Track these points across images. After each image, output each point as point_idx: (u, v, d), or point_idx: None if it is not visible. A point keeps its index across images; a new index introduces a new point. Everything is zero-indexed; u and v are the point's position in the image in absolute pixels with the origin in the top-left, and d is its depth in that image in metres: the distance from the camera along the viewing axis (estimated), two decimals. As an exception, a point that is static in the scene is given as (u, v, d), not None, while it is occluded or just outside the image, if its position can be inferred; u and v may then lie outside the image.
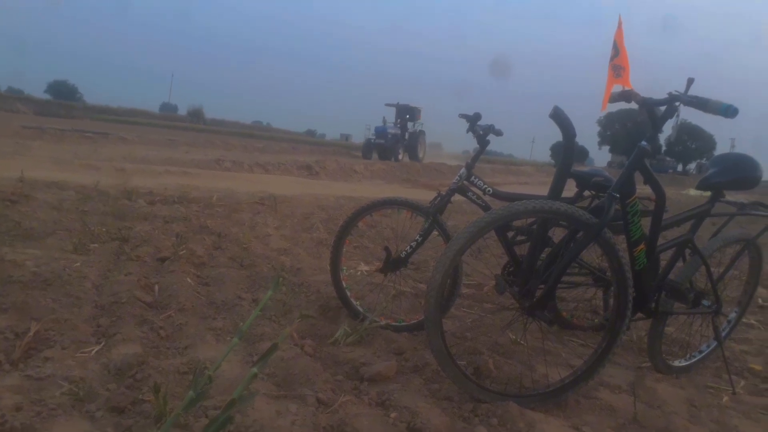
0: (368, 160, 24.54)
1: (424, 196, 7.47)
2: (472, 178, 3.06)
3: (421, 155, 28.97)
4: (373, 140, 27.95)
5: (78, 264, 3.40)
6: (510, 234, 2.98)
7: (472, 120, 3.13)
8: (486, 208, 3.00)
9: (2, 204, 4.66)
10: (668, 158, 61.97)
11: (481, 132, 3.12)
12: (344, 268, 3.40)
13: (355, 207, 5.13)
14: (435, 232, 3.08)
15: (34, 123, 20.15)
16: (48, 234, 4.07)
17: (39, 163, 8.62)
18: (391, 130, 28.44)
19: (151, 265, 3.71)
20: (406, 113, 29.80)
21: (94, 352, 2.31)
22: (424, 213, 3.08)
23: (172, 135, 25.43)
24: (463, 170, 3.06)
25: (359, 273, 4.10)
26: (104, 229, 4.41)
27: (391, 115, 30.39)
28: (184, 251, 4.01)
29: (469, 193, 3.05)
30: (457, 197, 3.13)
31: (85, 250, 3.82)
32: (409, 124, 29.65)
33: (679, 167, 65.02)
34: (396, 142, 27.97)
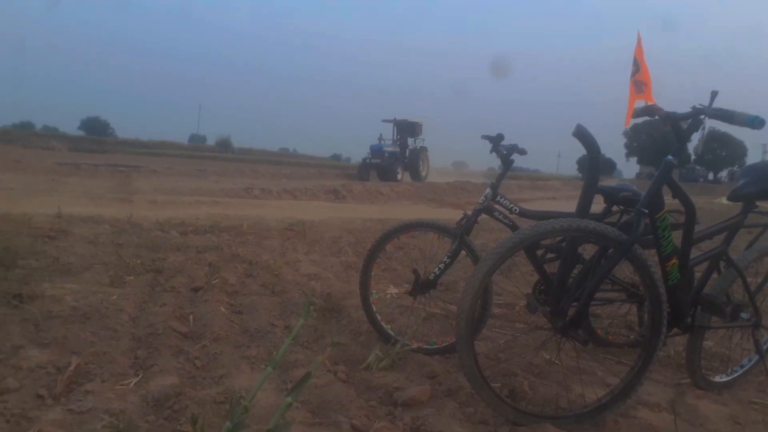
0: (365, 181, 22.59)
1: (451, 216, 7.46)
2: (498, 197, 3.05)
3: (423, 173, 27.10)
4: (368, 160, 25.73)
5: (115, 297, 3.47)
6: (539, 252, 2.95)
7: (495, 141, 3.14)
8: (513, 227, 2.98)
9: (41, 240, 4.80)
10: (698, 167, 60.82)
11: (504, 152, 3.13)
12: (373, 291, 3.41)
13: (382, 229, 5.14)
14: (463, 253, 3.08)
15: (69, 159, 20.81)
16: (85, 268, 4.18)
17: (75, 199, 8.86)
18: (389, 148, 26.35)
19: (185, 295, 3.77)
20: (406, 129, 27.73)
21: (132, 384, 2.35)
22: (451, 234, 3.08)
23: (202, 165, 25.95)
24: (488, 190, 3.05)
25: (389, 296, 4.09)
26: (139, 261, 4.50)
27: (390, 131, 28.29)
28: (217, 280, 4.07)
29: (496, 213, 3.05)
30: (483, 216, 3.12)
31: (121, 282, 3.90)
32: (410, 141, 27.63)
33: (710, 176, 63.74)
34: (394, 160, 25.92)
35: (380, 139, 27.12)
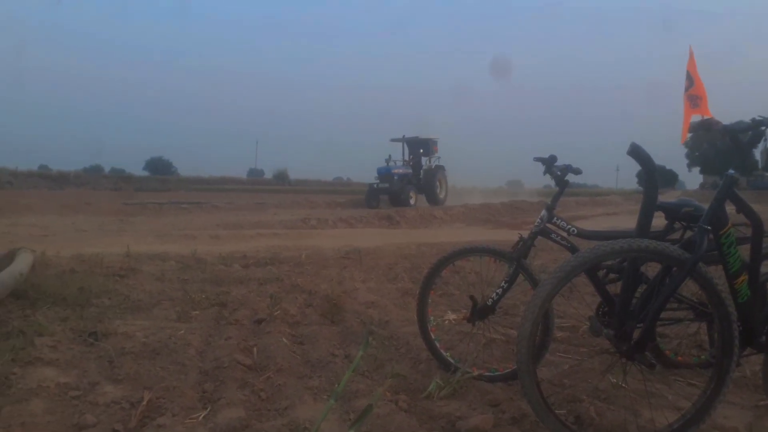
0: (374, 208, 20.63)
1: (507, 237, 7.35)
2: (555, 219, 3.01)
3: (442, 195, 25.04)
4: (376, 185, 23.56)
5: (182, 331, 3.60)
6: (600, 273, 2.88)
7: (548, 162, 3.10)
8: (573, 249, 2.93)
9: (113, 279, 5.03)
10: (767, 174, 57.77)
11: (558, 173, 3.08)
12: (431, 318, 3.40)
13: (436, 254, 5.11)
14: (521, 276, 3.04)
15: (136, 199, 21.79)
16: (154, 304, 4.35)
17: (142, 237, 9.25)
18: (398, 170, 24.12)
19: (248, 327, 3.86)
20: (419, 147, 25.25)
21: (201, 417, 2.42)
22: (507, 259, 3.05)
23: (260, 198, 26.66)
24: (544, 212, 3.02)
25: (447, 322, 4.07)
26: (204, 296, 4.65)
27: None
28: (279, 311, 4.16)
29: (553, 235, 3.00)
30: (540, 239, 3.07)
31: (187, 317, 4.04)
32: (425, 160, 25.35)
33: (782, 181, 60.38)
34: (406, 183, 23.78)
35: (388, 160, 24.60)
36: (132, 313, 4.09)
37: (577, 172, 3.12)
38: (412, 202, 23.29)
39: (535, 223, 3.01)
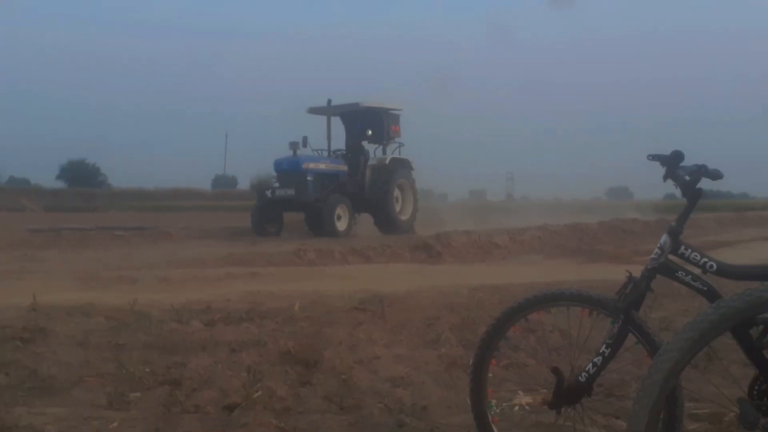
0: (262, 236, 18.87)
1: (610, 276, 7.29)
2: (682, 248, 2.97)
3: (405, 216, 21.21)
4: (271, 192, 19.72)
5: (116, 424, 3.63)
6: (756, 331, 2.84)
7: (671, 162, 3.07)
8: (711, 293, 2.89)
9: (12, 346, 5.09)
10: None
11: (687, 177, 3.04)
12: (492, 403, 3.38)
13: (500, 303, 5.08)
14: (632, 338, 3.01)
15: (45, 224, 22.17)
16: (73, 383, 4.39)
17: (55, 281, 9.40)
18: (316, 164, 20.02)
19: (215, 417, 3.88)
20: (364, 123, 20.94)
21: None
22: (610, 310, 3.03)
23: (232, 220, 26.84)
24: (665, 238, 2.99)
25: (517, 408, 4.03)
26: (148, 370, 4.68)
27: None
28: (260, 392, 4.17)
29: (680, 273, 2.96)
30: (661, 278, 3.04)
31: (123, 402, 4.08)
32: (372, 148, 21.44)
33: None
34: (332, 190, 19.73)
35: (296, 147, 19.88)
36: (41, 396, 4.13)
37: (716, 176, 3.08)
38: (340, 225, 19.13)
39: (653, 256, 2.98)
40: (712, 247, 15.86)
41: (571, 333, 3.47)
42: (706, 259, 2.93)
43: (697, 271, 2.95)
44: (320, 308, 7.25)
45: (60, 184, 73.73)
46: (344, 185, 20.15)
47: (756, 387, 2.80)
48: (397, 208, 20.56)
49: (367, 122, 20.62)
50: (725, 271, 2.90)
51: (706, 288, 2.94)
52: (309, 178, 19.10)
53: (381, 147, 21.47)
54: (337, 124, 21.84)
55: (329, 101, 20.55)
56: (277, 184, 19.68)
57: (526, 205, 26.38)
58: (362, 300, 7.68)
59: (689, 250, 2.97)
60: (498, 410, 3.49)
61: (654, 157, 3.14)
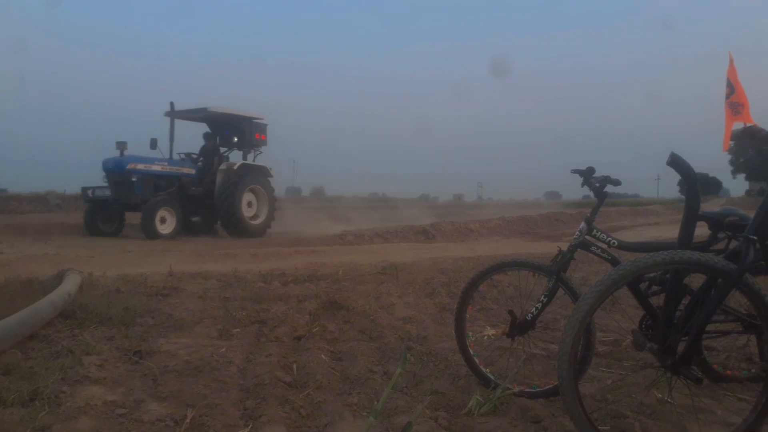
0: (95, 234, 13.62)
1: (547, 249, 7.24)
2: (594, 231, 2.96)
3: (257, 221, 15.10)
4: (91, 193, 13.91)
5: (223, 349, 3.65)
6: (643, 285, 2.81)
7: (586, 174, 3.06)
8: (614, 261, 2.87)
9: (156, 298, 5.15)
10: (818, 179, 55.66)
11: (597, 185, 3.03)
12: (470, 334, 3.37)
13: (474, 268, 5.08)
14: (561, 290, 2.99)
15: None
16: (196, 323, 4.42)
17: (185, 257, 9.45)
18: (147, 166, 13.98)
19: (288, 344, 3.90)
20: (233, 131, 15.29)
21: (243, 435, 2.44)
22: (546, 272, 3.01)
23: (300, 215, 26.78)
24: (583, 225, 2.97)
25: (486, 338, 4.02)
26: (244, 314, 4.71)
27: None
28: (317, 328, 4.18)
29: (593, 248, 2.95)
30: (581, 251, 3.02)
31: (228, 335, 4.10)
32: (230, 155, 15.52)
33: (833, 187, 58.10)
34: (169, 194, 13.99)
35: (122, 149, 13.81)
36: (175, 332, 4.17)
37: (616, 183, 3.06)
38: (164, 229, 13.29)
39: (575, 236, 2.97)
40: (614, 230, 15.70)
41: (521, 287, 3.45)
42: (610, 238, 2.91)
43: (604, 246, 2.93)
44: (356, 273, 7.22)
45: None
46: (186, 188, 14.55)
47: (643, 322, 2.78)
48: (251, 212, 14.91)
49: (235, 130, 15.23)
50: (623, 246, 2.88)
51: (610, 257, 2.92)
52: (134, 178, 13.49)
53: (252, 152, 15.56)
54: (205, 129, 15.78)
55: (171, 104, 14.75)
56: (105, 184, 13.91)
57: (491, 204, 26.15)
58: (383, 267, 7.66)
59: (599, 232, 2.96)
60: (473, 339, 3.48)
61: (575, 171, 3.13)
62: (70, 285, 4.53)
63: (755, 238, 2.15)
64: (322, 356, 3.55)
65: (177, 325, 4.35)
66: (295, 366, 3.39)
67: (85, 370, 3.08)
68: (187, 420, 2.51)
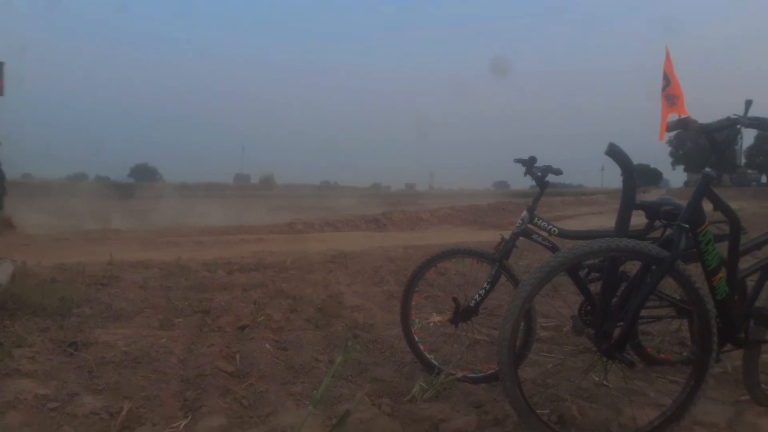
0: None
1: (493, 238, 7.37)
2: (536, 219, 3.02)
3: None
4: None
5: (164, 340, 3.56)
6: (582, 272, 2.89)
7: (528, 163, 3.11)
8: (554, 248, 2.94)
9: (95, 288, 4.97)
10: (750, 170, 58.73)
11: (539, 174, 3.09)
12: (415, 321, 3.39)
13: (422, 256, 5.10)
14: (504, 277, 3.04)
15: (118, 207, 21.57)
16: (136, 313, 4.29)
17: (126, 245, 9.16)
18: None
19: (231, 334, 3.83)
20: None
21: (182, 426, 2.39)
22: (489, 260, 3.05)
23: (247, 204, 26.42)
24: (525, 213, 3.02)
25: (431, 325, 4.06)
26: (187, 303, 4.60)
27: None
28: (262, 317, 4.13)
29: (534, 236, 3.01)
30: (523, 239, 3.08)
31: (170, 325, 4.00)
32: None
33: (763, 179, 61.44)
34: None
35: None
36: (113, 322, 4.04)
37: (558, 172, 3.13)
38: None
39: (517, 224, 3.02)
40: (559, 219, 16.14)
41: (466, 275, 3.49)
42: (551, 226, 2.98)
43: (545, 234, 2.99)
44: (304, 261, 7.17)
45: (131, 180, 71.71)
46: None
47: (583, 308, 2.86)
48: None
49: None
50: (564, 234, 2.95)
51: (551, 245, 2.99)
52: None
53: None
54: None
55: None
56: None
57: (441, 192, 26.22)
58: (333, 256, 7.64)
59: (540, 221, 3.02)
60: (419, 326, 3.51)
61: (518, 160, 3.17)
62: (1, 275, 4.32)
63: (687, 226, 2.23)
64: (267, 346, 3.51)
65: (116, 315, 4.21)
66: (238, 356, 3.33)
67: (15, 363, 2.95)
68: (123, 413, 2.44)
